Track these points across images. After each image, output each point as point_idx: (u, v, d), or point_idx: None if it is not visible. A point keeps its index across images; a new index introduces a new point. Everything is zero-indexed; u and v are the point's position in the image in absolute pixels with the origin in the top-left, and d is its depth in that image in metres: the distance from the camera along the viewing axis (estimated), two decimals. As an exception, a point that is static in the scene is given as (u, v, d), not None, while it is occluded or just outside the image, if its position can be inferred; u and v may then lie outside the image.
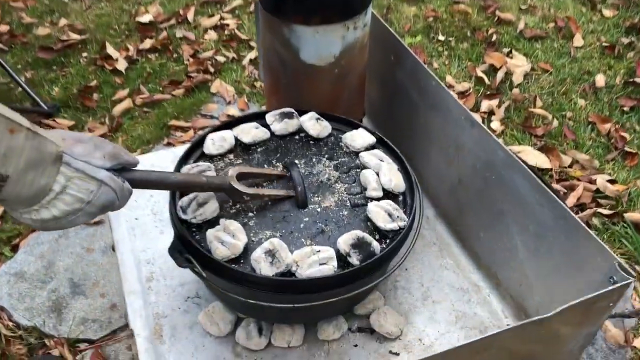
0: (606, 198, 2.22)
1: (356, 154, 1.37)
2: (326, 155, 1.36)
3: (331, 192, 1.27)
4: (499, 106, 2.69)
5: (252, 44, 3.08)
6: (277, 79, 1.55)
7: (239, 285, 1.13)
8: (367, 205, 1.23)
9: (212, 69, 2.91)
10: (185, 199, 1.21)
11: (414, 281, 1.45)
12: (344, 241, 1.14)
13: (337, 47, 1.45)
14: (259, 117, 1.45)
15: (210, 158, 1.34)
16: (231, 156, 1.35)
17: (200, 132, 2.56)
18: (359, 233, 1.15)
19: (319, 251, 1.12)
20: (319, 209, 1.23)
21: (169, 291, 1.41)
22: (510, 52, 3.00)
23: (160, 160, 1.75)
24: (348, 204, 1.24)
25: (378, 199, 1.25)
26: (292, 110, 1.44)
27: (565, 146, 2.49)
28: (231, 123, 1.42)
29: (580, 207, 2.20)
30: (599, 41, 3.08)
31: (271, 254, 1.10)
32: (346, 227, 1.19)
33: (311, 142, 1.40)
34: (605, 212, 2.16)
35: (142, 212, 1.59)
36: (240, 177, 1.21)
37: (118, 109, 2.69)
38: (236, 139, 1.37)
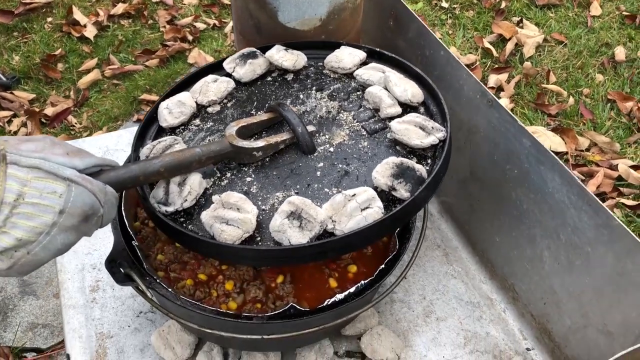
0: (629, 186, 1.98)
1: (349, 75, 1.11)
2: (314, 88, 1.09)
3: (338, 126, 1.01)
4: (508, 81, 2.43)
5: (236, 9, 2.79)
6: (252, 46, 1.28)
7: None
8: (387, 127, 0.99)
9: (190, 37, 2.63)
10: (158, 190, 0.91)
11: (414, 292, 1.20)
12: (381, 173, 0.88)
13: (324, 8, 1.18)
14: (216, 68, 1.16)
15: (172, 130, 1.05)
16: (197, 121, 1.06)
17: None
18: (394, 159, 0.90)
19: (355, 195, 0.86)
20: (331, 149, 0.97)
21: (118, 304, 1.17)
22: (521, 21, 2.72)
23: (118, 142, 1.49)
24: (364, 133, 1.00)
25: (399, 116, 1.00)
26: (253, 49, 1.15)
27: (582, 127, 2.23)
28: (184, 83, 1.13)
29: (600, 196, 1.95)
30: (619, 10, 2.79)
31: (296, 215, 0.84)
32: (373, 159, 0.95)
33: (289, 78, 1.13)
34: (629, 202, 1.92)
35: (91, 206, 1.33)
36: (240, 133, 0.96)
37: (85, 81, 2.41)
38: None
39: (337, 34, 1.24)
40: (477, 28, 2.71)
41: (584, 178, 2.01)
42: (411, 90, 1.02)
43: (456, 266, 1.26)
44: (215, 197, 0.88)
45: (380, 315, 1.16)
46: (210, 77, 1.11)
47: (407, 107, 1.02)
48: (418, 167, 0.90)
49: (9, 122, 2.26)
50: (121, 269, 0.95)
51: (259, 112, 1.05)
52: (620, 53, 2.53)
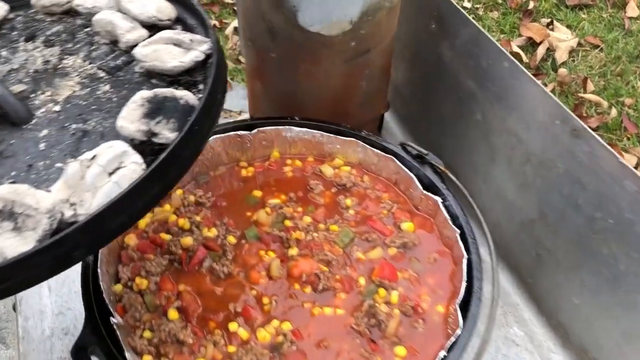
0: (688, 212, 1.74)
1: (71, 12, 0.85)
2: (22, 38, 0.83)
3: (63, 76, 0.77)
4: (541, 90, 2.18)
5: (238, 9, 2.54)
6: (263, 55, 1.04)
7: None
8: (133, 60, 0.75)
9: (187, 40, 2.38)
10: None
11: (468, 364, 0.96)
12: (129, 118, 0.64)
13: (357, 7, 0.94)
14: None
15: None
16: None
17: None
18: (144, 94, 0.67)
19: (95, 157, 0.60)
20: (57, 108, 0.72)
21: (95, 383, 0.92)
22: (551, 23, 2.48)
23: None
24: (102, 75, 0.76)
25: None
26: None
27: (627, 142, 1.99)
28: None
29: (655, 224, 1.71)
30: (658, 11, 2.56)
31: (6, 214, 0.56)
32: (121, 104, 0.69)
33: None
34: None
35: (65, 250, 1.08)
36: None
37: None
38: None
39: (370, 39, 1.00)
40: (504, 30, 2.47)
41: (635, 202, 1.77)
42: (155, 4, 0.79)
43: (518, 329, 1.01)
44: None
45: (427, 397, 0.91)
46: None
47: (156, 28, 0.79)
48: (180, 93, 0.67)
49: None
50: (93, 358, 0.71)
51: None
52: (662, 58, 2.29)
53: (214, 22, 2.50)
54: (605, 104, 2.12)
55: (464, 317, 0.77)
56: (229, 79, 2.24)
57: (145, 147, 0.63)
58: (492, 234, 1.08)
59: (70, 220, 0.57)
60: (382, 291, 0.84)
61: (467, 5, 2.60)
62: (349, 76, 1.04)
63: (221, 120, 2.12)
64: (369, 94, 1.10)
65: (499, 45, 0.94)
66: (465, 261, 0.84)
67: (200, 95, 0.67)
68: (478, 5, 2.60)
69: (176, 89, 0.69)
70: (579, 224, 0.87)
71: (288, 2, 0.93)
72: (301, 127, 1.01)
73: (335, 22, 0.94)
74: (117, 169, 0.60)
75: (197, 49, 0.73)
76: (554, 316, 0.99)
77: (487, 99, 1.00)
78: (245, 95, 2.18)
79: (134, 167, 0.60)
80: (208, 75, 0.70)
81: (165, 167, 0.60)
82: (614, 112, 2.08)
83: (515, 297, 1.05)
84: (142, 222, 0.92)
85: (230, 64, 2.30)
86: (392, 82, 1.28)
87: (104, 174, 0.59)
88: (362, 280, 0.86)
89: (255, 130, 1.00)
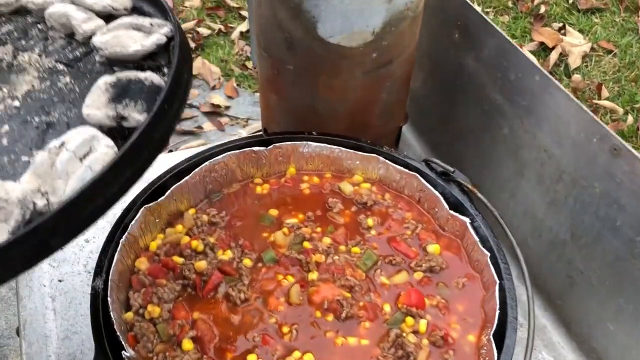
0: None
1: (18, 11, 0.84)
2: None
3: (19, 72, 0.75)
4: (554, 96, 2.14)
5: (244, 12, 2.49)
6: (278, 66, 0.99)
7: None
8: (92, 50, 0.74)
9: (192, 44, 2.34)
10: None
11: (495, 393, 0.91)
12: (95, 105, 0.64)
13: (379, 17, 0.90)
14: None
15: None
16: None
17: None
18: (106, 79, 0.66)
19: (64, 143, 0.59)
20: (16, 103, 0.71)
21: (103, 414, 0.87)
22: (563, 27, 2.44)
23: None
24: (62, 68, 0.75)
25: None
26: None
27: (643, 150, 1.95)
28: None
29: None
30: (672, 15, 2.52)
31: None
32: (85, 93, 0.67)
33: None
34: None
35: (71, 269, 1.04)
36: None
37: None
38: None
39: (393, 50, 0.96)
40: (515, 35, 2.43)
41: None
42: None
43: (546, 354, 0.96)
44: None
45: None
46: None
47: (112, 19, 0.77)
48: (145, 75, 0.66)
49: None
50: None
51: None
52: (678, 64, 2.25)
53: (219, 26, 2.46)
54: (620, 110, 2.08)
55: (499, 348, 0.72)
56: (235, 85, 2.20)
57: (115, 132, 0.62)
58: (521, 252, 1.03)
59: (43, 210, 0.56)
60: (409, 320, 0.79)
61: (477, 9, 2.55)
62: (369, 88, 1.00)
63: (228, 128, 2.08)
64: (389, 105, 1.06)
65: (529, 57, 0.89)
66: (497, 287, 0.79)
67: (166, 78, 0.65)
68: (488, 9, 2.56)
69: (140, 71, 0.68)
70: (616, 247, 0.83)
71: (307, 12, 0.88)
72: (319, 142, 0.96)
73: (357, 32, 0.90)
74: (88, 153, 0.59)
75: (158, 32, 0.72)
76: (586, 341, 0.94)
77: (515, 113, 0.95)
78: (253, 102, 2.14)
79: (105, 150, 0.59)
80: (172, 57, 0.67)
81: (139, 148, 0.59)
82: (629, 119, 2.04)
83: (543, 319, 1.00)
84: (154, 244, 0.87)
85: (237, 70, 2.26)
86: (411, 93, 1.24)
87: (74, 159, 0.58)
88: (387, 308, 0.81)
89: (271, 146, 0.95)
